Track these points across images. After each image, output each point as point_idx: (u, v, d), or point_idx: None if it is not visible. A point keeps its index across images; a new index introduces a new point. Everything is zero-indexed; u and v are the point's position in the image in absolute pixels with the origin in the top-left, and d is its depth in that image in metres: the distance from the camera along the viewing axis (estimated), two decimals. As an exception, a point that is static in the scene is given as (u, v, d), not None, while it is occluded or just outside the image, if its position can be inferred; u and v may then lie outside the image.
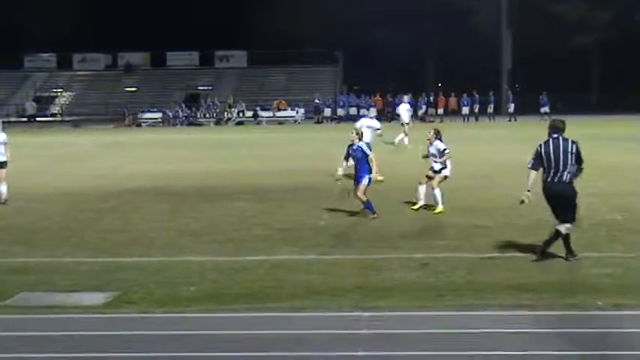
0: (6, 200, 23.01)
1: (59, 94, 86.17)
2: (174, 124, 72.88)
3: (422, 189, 20.86)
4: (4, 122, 25.93)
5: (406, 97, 44.68)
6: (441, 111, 72.40)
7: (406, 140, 38.91)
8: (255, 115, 74.12)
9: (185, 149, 43.12)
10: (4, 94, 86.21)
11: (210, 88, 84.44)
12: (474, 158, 33.40)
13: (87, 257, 16.05)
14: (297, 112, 73.81)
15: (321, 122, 71.00)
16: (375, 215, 19.65)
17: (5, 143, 23.43)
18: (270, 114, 74.67)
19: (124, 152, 41.39)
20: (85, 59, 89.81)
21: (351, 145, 20.39)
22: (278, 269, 14.80)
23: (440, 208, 20.44)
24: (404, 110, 41.85)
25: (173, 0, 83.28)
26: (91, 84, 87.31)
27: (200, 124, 73.11)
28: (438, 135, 20.90)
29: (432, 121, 68.26)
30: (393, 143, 38.22)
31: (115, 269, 15.04)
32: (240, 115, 75.19)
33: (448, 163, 20.72)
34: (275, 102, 76.01)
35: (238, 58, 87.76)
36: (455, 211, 20.45)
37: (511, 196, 18.00)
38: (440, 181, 20.59)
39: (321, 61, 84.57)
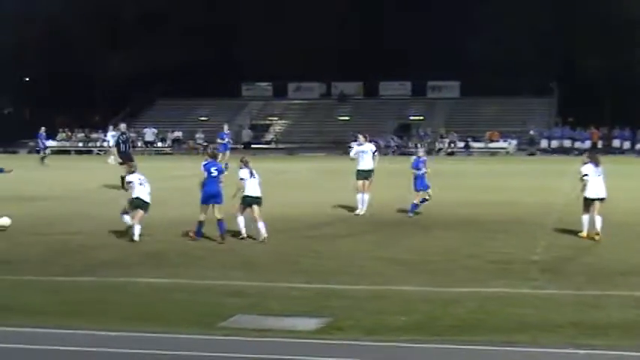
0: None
1: (274, 122, 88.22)
2: (386, 154, 73.34)
3: None
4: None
5: None
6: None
7: None
8: (467, 146, 73.67)
9: (395, 178, 43.16)
10: (222, 121, 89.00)
11: (421, 118, 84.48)
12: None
13: (300, 283, 16.28)
14: (509, 144, 72.84)
15: (535, 154, 69.77)
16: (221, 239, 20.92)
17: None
18: (482, 145, 74.05)
19: (336, 180, 41.77)
20: (300, 88, 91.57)
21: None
22: (490, 302, 14.57)
23: None
24: None
25: (386, 30, 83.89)
26: (305, 112, 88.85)
27: (411, 154, 73.21)
28: None
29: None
30: None
31: (327, 296, 15.18)
32: (452, 145, 74.92)
33: None
34: (487, 133, 75.32)
35: (450, 88, 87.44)
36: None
37: None
38: None
39: (534, 91, 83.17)
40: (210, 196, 21.42)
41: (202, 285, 16.13)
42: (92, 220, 25.77)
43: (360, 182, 27.27)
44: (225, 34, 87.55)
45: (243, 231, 21.74)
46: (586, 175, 21.60)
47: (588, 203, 21.53)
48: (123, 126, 38.33)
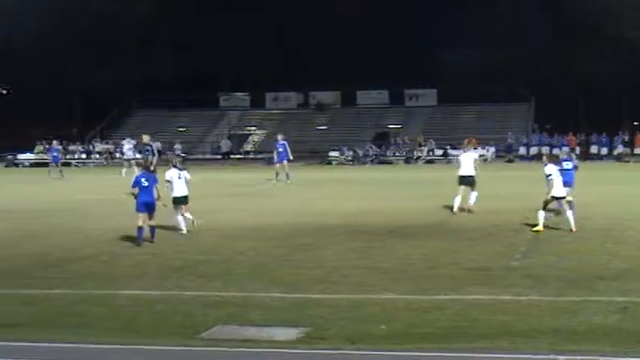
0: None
1: (252, 132, 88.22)
2: (364, 163, 73.44)
3: None
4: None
5: None
6: (638, 150, 70.22)
7: None
8: (445, 154, 73.86)
9: (375, 187, 43.30)
10: (200, 132, 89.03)
11: (399, 126, 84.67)
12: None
13: (280, 292, 16.24)
14: (487, 151, 73.10)
15: (513, 161, 69.95)
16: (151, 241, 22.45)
17: None
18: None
19: (315, 189, 41.89)
20: (278, 98, 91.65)
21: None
22: (470, 309, 14.57)
23: None
24: None
25: (363, 39, 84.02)
26: (283, 122, 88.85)
27: (390, 163, 73.45)
28: None
29: (628, 161, 66.27)
30: None
31: (307, 305, 15.15)
32: (430, 153, 75.09)
33: None
34: (465, 140, 75.38)
35: (428, 96, 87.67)
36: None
37: None
38: None
39: (512, 98, 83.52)
40: (143, 204, 22.66)
41: (182, 296, 16.08)
42: (72, 232, 25.69)
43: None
44: (202, 45, 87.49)
45: (184, 227, 24.56)
46: (550, 175, 23.58)
47: (552, 200, 23.66)
48: (147, 137, 38.12)
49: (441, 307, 14.79)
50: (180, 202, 24.73)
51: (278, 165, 45.97)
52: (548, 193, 23.60)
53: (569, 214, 23.46)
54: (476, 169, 29.11)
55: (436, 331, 13.16)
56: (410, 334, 13.04)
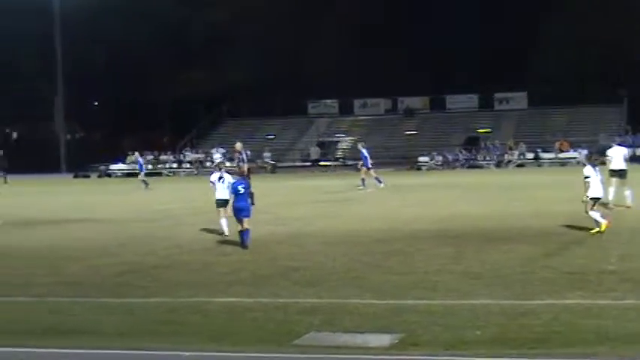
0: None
1: (341, 138, 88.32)
2: (454, 167, 72.97)
3: None
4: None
5: None
6: None
7: None
8: (537, 157, 73.03)
9: (466, 192, 42.98)
10: (289, 139, 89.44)
11: (489, 130, 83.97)
12: None
13: (372, 299, 16.17)
14: (579, 154, 72.06)
15: (605, 163, 68.76)
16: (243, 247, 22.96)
17: None
18: (552, 155, 73.37)
19: (406, 195, 41.75)
20: (366, 104, 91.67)
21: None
22: (567, 314, 14.31)
23: None
24: None
25: (452, 44, 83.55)
26: (372, 128, 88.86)
27: (480, 167, 72.89)
28: None
29: None
30: None
31: (400, 311, 15.05)
32: (521, 157, 74.33)
33: None
34: (557, 143, 74.60)
35: (518, 99, 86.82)
36: None
37: None
38: None
39: (603, 100, 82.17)
40: (239, 210, 23.25)
41: (275, 303, 16.09)
42: (164, 241, 25.97)
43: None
44: (290, 53, 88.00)
45: (226, 231, 25.38)
46: (588, 177, 23.77)
47: (594, 202, 23.82)
48: (239, 145, 38.10)
49: (536, 311, 14.56)
50: (220, 205, 25.65)
51: (372, 171, 46.57)
52: (584, 195, 23.88)
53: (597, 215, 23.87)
54: (626, 162, 30.51)
55: (532, 336, 12.95)
56: (505, 339, 12.86)
